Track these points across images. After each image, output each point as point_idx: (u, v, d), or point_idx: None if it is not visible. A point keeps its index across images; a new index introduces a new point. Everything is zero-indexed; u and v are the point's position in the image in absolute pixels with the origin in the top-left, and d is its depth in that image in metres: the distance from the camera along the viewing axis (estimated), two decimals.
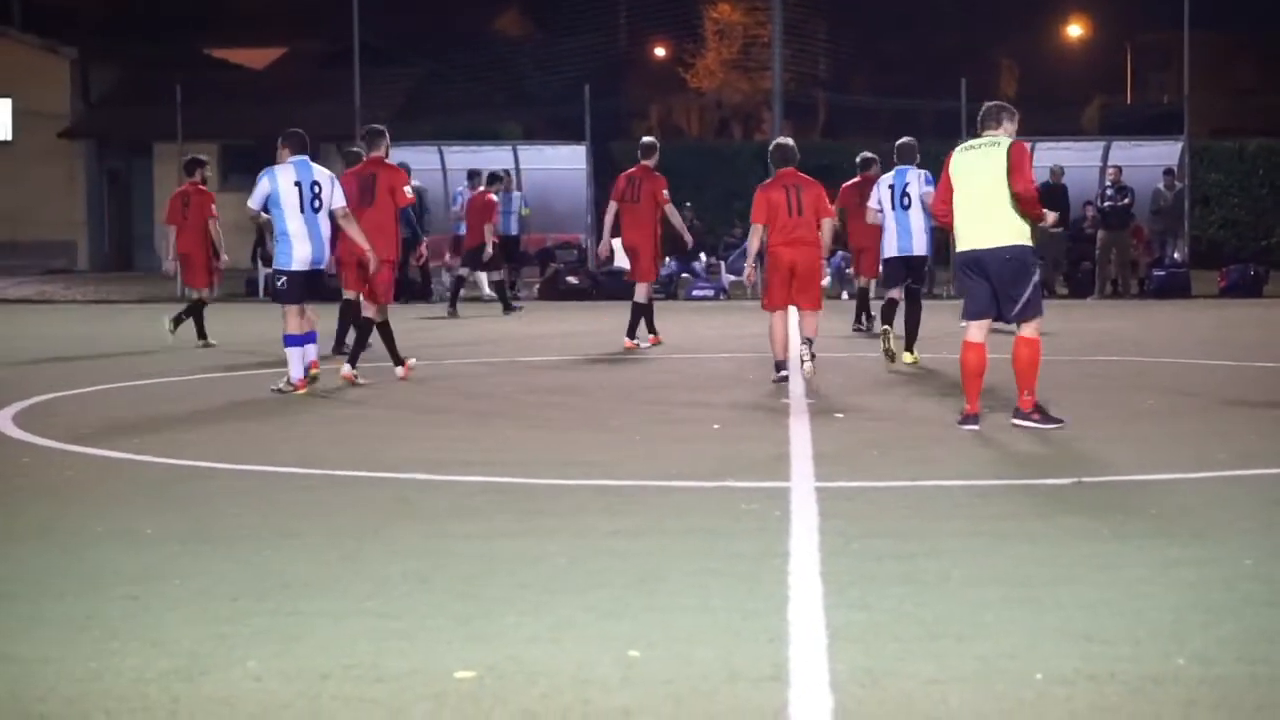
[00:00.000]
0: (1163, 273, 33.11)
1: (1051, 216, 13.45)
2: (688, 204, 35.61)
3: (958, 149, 13.23)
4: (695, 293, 33.54)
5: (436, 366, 18.95)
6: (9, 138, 50.39)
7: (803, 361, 16.35)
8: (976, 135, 13.23)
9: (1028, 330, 13.04)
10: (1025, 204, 12.78)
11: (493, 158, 36.82)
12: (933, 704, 5.71)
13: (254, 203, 16.15)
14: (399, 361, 17.29)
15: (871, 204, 20.10)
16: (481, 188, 28.84)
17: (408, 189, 17.60)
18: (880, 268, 20.65)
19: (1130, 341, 21.56)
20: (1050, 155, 34.52)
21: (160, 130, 42.74)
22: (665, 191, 21.19)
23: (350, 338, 17.89)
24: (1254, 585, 7.40)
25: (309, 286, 16.16)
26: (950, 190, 13.13)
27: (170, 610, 7.09)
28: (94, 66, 51.64)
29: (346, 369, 16.77)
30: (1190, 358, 19.04)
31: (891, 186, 19.74)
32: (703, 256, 35.04)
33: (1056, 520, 9.03)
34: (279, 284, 16.19)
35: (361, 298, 17.63)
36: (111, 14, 57.44)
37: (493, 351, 20.99)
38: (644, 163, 21.33)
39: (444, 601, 7.20)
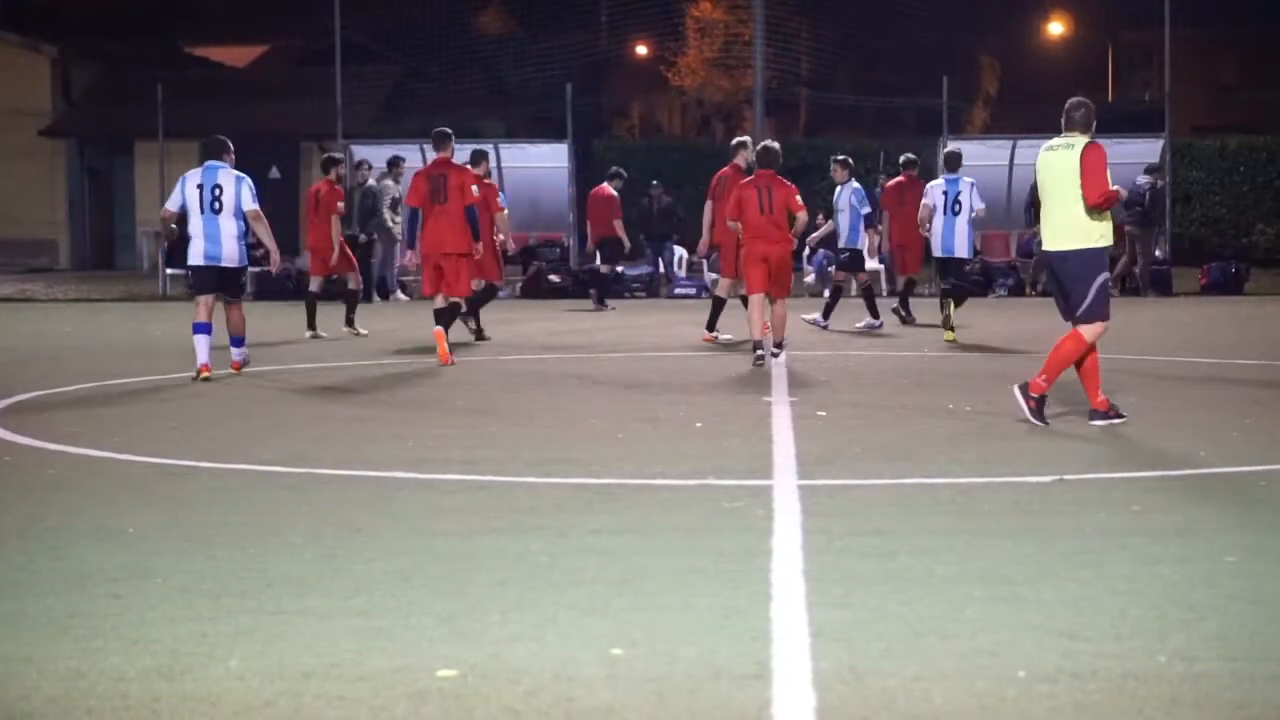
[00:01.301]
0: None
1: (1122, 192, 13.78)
2: (654, 181, 35.62)
3: (1043, 148, 13.40)
4: (677, 290, 33.55)
5: (417, 364, 18.95)
6: None
7: (772, 355, 18.44)
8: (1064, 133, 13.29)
9: (1084, 329, 13.16)
10: (1101, 208, 12.94)
11: None
12: (915, 702, 5.71)
13: (170, 205, 17.95)
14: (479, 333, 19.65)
15: (927, 201, 22.44)
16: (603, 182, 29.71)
17: (475, 188, 19.02)
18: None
19: (1111, 339, 21.55)
20: (1031, 153, 34.52)
21: (141, 128, 42.69)
22: None
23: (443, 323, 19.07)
24: (1236, 582, 7.41)
25: (213, 280, 17.59)
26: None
27: (152, 609, 7.07)
28: (75, 64, 51.55)
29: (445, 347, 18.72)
30: (1172, 355, 19.07)
31: (945, 193, 22.07)
32: (683, 255, 35.03)
33: (1039, 518, 9.05)
34: (188, 278, 18.16)
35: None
36: (93, 12, 57.28)
37: (473, 350, 20.97)
38: (734, 162, 22.04)
39: (426, 600, 7.20)
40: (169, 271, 35.55)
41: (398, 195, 32.48)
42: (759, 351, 18.27)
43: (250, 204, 17.60)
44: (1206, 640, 6.45)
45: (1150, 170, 32.80)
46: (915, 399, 15.05)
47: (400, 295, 32.94)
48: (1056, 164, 13.09)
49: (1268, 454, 11.45)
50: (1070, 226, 13.03)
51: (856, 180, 24.36)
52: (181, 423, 13.75)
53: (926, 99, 43.28)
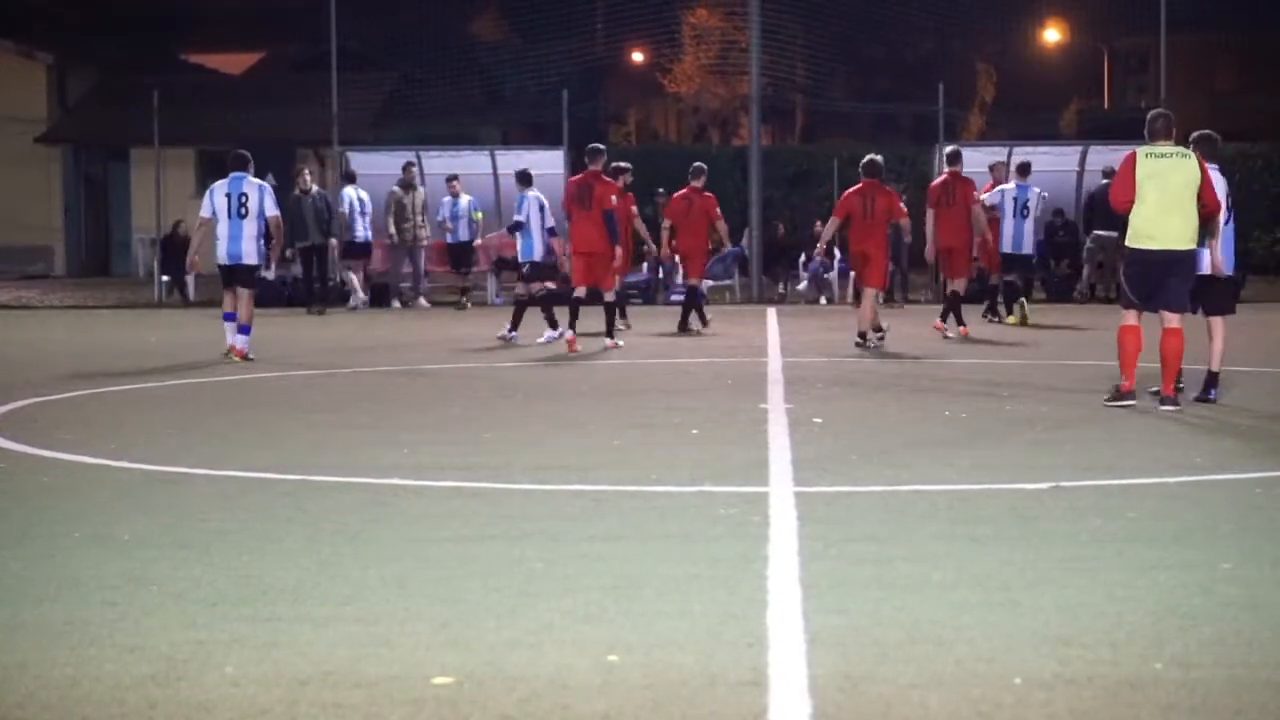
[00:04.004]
0: None
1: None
2: (659, 190, 35.56)
3: (1143, 152, 14.47)
4: (674, 297, 33.52)
5: (413, 370, 18.96)
6: None
7: (857, 343, 21.48)
8: (1152, 142, 14.60)
9: (1175, 321, 14.40)
10: (1212, 213, 14.52)
11: (471, 162, 36.72)
12: (911, 708, 5.71)
13: (203, 211, 20.62)
14: (610, 334, 22.07)
15: (994, 200, 25.60)
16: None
17: (614, 198, 22.19)
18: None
19: (1109, 345, 21.56)
20: (1033, 159, 34.50)
21: (137, 135, 42.69)
22: (976, 193, 24.11)
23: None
24: (1232, 589, 7.41)
25: (234, 276, 20.47)
26: (1133, 187, 14.41)
27: (148, 616, 7.07)
28: (71, 71, 51.52)
29: (608, 341, 21.89)
30: None
31: (1015, 199, 25.31)
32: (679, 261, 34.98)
33: (1035, 524, 9.04)
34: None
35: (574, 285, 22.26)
36: (88, 19, 57.24)
37: (469, 355, 20.98)
38: (952, 169, 24.11)
39: (422, 606, 7.19)
40: (164, 278, 35.57)
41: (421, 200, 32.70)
42: (873, 337, 21.49)
43: (272, 210, 20.57)
44: (1203, 647, 6.44)
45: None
46: (911, 405, 15.05)
47: (398, 302, 32.92)
48: (1177, 171, 14.30)
49: (1263, 460, 11.46)
50: (1193, 229, 14.34)
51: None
52: (177, 429, 13.75)
53: (923, 105, 43.28)
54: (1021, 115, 59.54)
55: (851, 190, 22.26)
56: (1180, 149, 14.48)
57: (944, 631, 6.67)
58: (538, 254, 23.12)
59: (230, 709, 5.78)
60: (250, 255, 20.44)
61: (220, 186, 20.45)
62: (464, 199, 32.75)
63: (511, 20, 56.21)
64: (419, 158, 35.52)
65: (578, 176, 22.82)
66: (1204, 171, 14.39)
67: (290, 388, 17.29)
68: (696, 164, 26.27)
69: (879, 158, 22.58)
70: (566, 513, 9.56)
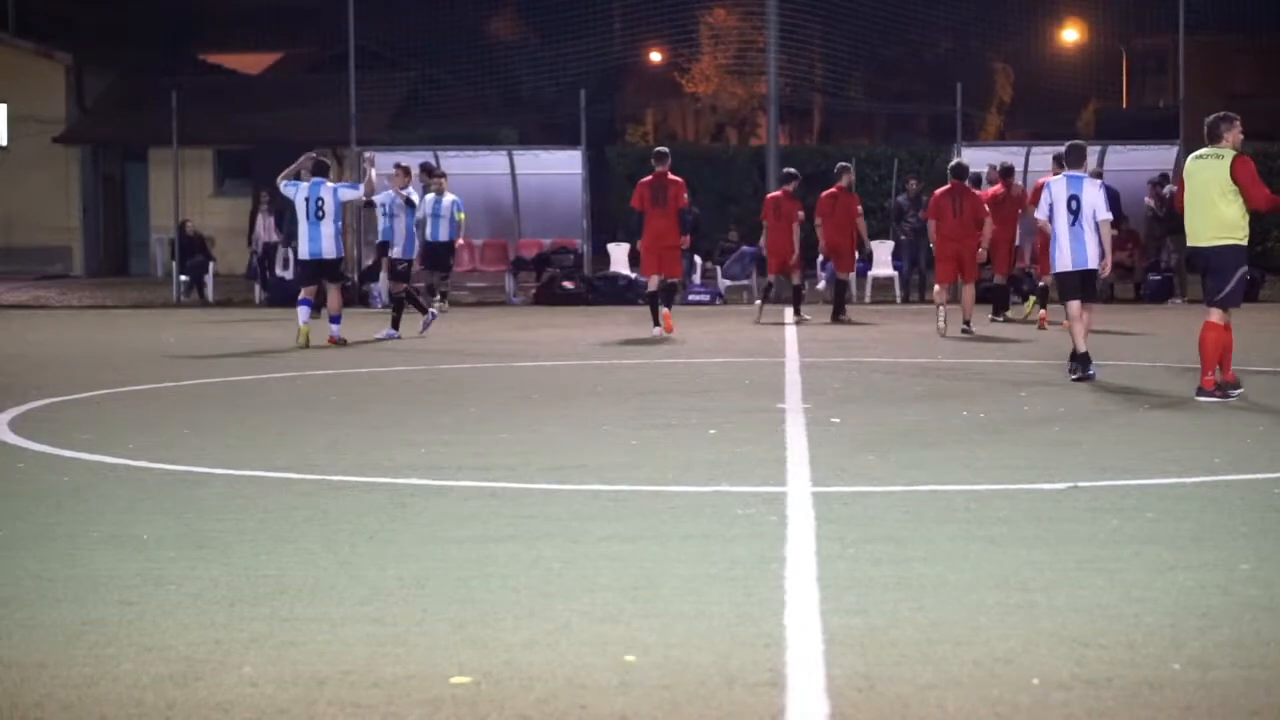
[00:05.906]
0: (1158, 277, 33.11)
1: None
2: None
3: (1191, 156, 15.48)
4: (691, 297, 33.55)
5: (431, 371, 18.97)
6: (4, 143, 50.31)
7: (964, 330, 23.28)
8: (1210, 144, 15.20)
9: (1215, 316, 15.11)
10: (1268, 211, 15.35)
11: (489, 162, 36.76)
12: (929, 709, 5.70)
13: (282, 183, 23.11)
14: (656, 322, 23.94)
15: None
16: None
17: (685, 195, 24.27)
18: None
19: (1126, 346, 21.56)
20: (1045, 159, 34.49)
21: (155, 135, 42.75)
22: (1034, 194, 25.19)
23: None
24: (1251, 590, 7.40)
25: (315, 271, 23.09)
26: (1183, 190, 15.33)
27: (166, 616, 7.08)
28: (89, 71, 51.58)
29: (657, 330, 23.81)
30: (1186, 362, 19.03)
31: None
32: (698, 261, 34.99)
33: (1053, 525, 9.03)
34: (296, 270, 24.35)
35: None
36: (106, 19, 57.34)
37: (487, 356, 21.00)
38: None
39: (440, 606, 7.20)
40: (183, 278, 35.64)
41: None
42: (960, 325, 23.34)
43: (348, 195, 23.50)
44: (1221, 647, 6.43)
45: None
46: (929, 405, 15.04)
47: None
48: (1204, 171, 15.05)
49: None
50: (1217, 225, 14.91)
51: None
52: (195, 429, 13.76)
53: (940, 105, 43.24)
54: (1039, 115, 59.49)
55: (941, 191, 24.33)
56: (1216, 150, 15.01)
57: (962, 632, 6.66)
58: (413, 252, 25.33)
59: (248, 709, 5.79)
60: (330, 251, 22.85)
61: (302, 190, 22.79)
62: (448, 198, 31.94)
63: (529, 20, 56.24)
64: (436, 158, 35.48)
65: (649, 178, 24.25)
66: (1235, 170, 14.85)
67: (307, 388, 17.30)
68: (841, 164, 28.05)
69: (965, 160, 24.86)
70: (584, 513, 9.57)
